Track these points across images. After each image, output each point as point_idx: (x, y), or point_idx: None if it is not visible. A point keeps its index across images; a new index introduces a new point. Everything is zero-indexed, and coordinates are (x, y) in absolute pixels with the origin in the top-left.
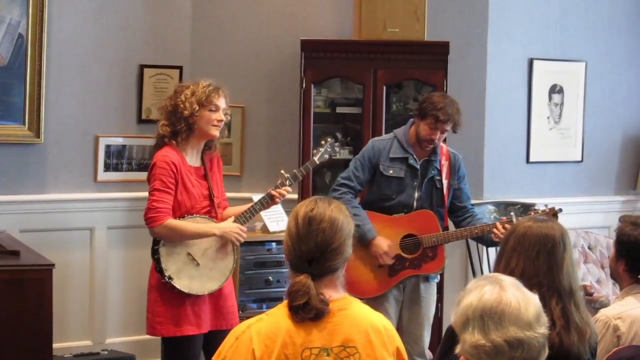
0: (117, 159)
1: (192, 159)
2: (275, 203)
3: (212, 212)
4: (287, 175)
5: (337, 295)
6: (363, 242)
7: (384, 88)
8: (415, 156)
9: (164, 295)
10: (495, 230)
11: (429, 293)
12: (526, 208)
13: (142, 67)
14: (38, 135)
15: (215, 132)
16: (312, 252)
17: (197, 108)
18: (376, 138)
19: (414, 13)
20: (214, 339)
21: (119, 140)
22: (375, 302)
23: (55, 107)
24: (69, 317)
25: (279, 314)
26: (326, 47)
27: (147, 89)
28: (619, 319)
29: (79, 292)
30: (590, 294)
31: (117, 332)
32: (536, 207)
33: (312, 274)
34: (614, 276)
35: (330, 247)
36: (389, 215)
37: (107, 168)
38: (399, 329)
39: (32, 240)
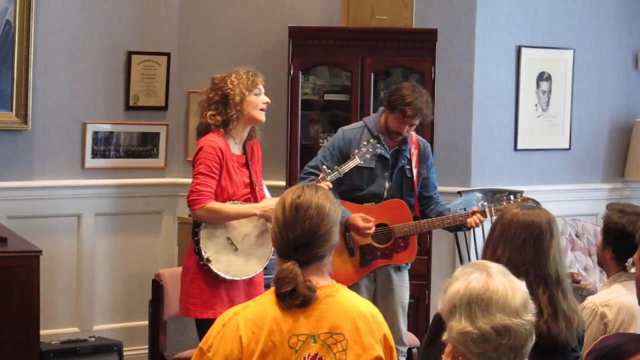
0: (104, 145)
1: (235, 147)
2: None
3: (251, 200)
4: (328, 170)
5: (324, 282)
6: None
7: (372, 75)
8: (385, 146)
9: (200, 277)
10: (468, 220)
11: (402, 281)
12: (511, 195)
13: (129, 54)
14: (25, 122)
15: (263, 117)
16: (299, 239)
17: (246, 93)
18: (346, 127)
19: (401, 0)
20: None
21: (106, 127)
22: None
23: (43, 93)
24: (56, 304)
25: (266, 301)
26: (314, 34)
27: (135, 76)
28: (606, 306)
29: (66, 279)
30: (578, 282)
31: (104, 319)
32: (514, 196)
33: (299, 261)
34: (601, 264)
35: (317, 234)
36: (359, 204)
37: (95, 155)
38: None
39: (19, 227)
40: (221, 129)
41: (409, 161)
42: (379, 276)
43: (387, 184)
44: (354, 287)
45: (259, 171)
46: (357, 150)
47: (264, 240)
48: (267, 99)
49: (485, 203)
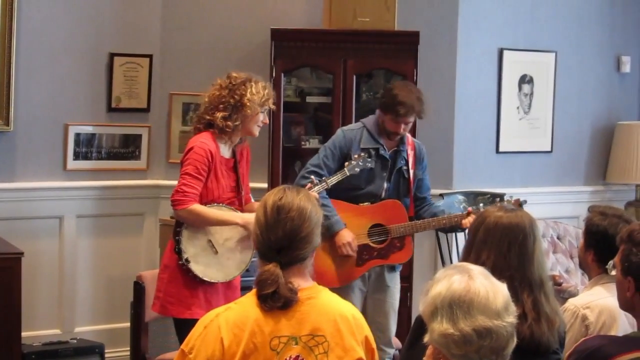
0: (86, 147)
1: (226, 150)
2: None
3: (235, 204)
4: (316, 181)
5: (305, 284)
6: (330, 233)
7: (354, 77)
8: (385, 147)
9: (179, 276)
10: (464, 221)
11: (394, 282)
12: (495, 198)
13: (112, 56)
14: (7, 124)
15: (257, 133)
16: (281, 241)
17: (258, 110)
18: (345, 127)
19: (384, 2)
20: None
21: (88, 129)
22: (341, 292)
23: (25, 95)
24: (37, 305)
25: (247, 302)
26: (296, 36)
27: (117, 78)
28: (588, 308)
29: (48, 280)
30: (559, 284)
31: (86, 321)
32: (501, 200)
33: (281, 262)
34: (583, 266)
35: (298, 236)
36: (356, 204)
37: (77, 156)
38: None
39: (0, 229)
40: (224, 136)
41: (407, 162)
42: (371, 276)
43: (385, 185)
44: (348, 288)
45: (246, 175)
46: (347, 163)
47: (245, 246)
48: (266, 120)
49: (482, 205)
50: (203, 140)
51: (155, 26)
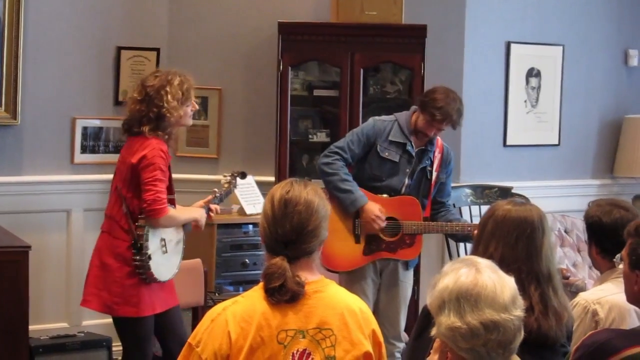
0: (93, 141)
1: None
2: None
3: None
4: (218, 194)
5: (313, 278)
6: (355, 207)
7: (361, 71)
8: (412, 144)
9: (122, 275)
10: (475, 232)
11: (407, 277)
12: (503, 192)
13: (119, 49)
14: (14, 117)
15: (191, 122)
16: (288, 234)
17: (181, 111)
18: (377, 117)
19: None
20: (162, 319)
21: (95, 122)
22: (353, 280)
23: (32, 88)
24: (45, 299)
25: (254, 296)
26: (303, 29)
27: (124, 71)
28: (598, 304)
29: (55, 274)
30: (567, 278)
31: (93, 315)
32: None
33: (288, 256)
34: (595, 264)
35: (306, 230)
36: (375, 195)
37: (84, 150)
38: (375, 311)
39: (8, 223)
40: (167, 137)
41: (432, 163)
42: (385, 270)
43: (406, 181)
44: (361, 277)
45: None
46: (216, 190)
47: (179, 249)
48: (196, 106)
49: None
50: (158, 142)
51: (163, 20)
